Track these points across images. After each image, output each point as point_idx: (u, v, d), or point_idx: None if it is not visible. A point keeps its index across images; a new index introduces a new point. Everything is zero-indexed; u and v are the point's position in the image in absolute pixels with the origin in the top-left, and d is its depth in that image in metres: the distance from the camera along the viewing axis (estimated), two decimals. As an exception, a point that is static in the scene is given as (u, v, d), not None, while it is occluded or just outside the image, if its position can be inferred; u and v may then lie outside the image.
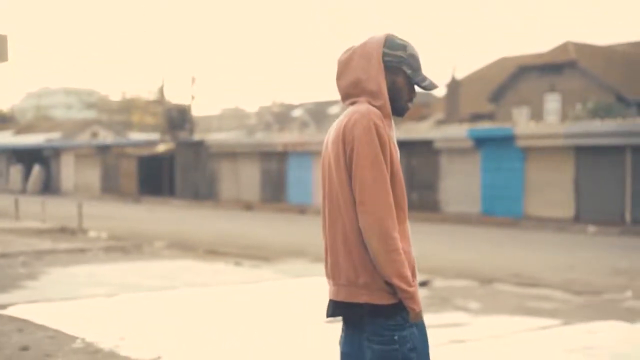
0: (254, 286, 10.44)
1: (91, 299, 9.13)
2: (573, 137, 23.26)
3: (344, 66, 2.85)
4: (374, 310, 2.70)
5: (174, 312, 8.51)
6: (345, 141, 2.70)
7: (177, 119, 38.93)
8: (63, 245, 14.72)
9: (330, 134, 2.82)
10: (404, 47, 2.83)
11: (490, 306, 9.40)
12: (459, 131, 26.48)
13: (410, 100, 2.86)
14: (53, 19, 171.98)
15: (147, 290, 9.84)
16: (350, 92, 2.83)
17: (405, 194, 2.78)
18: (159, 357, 6.48)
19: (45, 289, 9.88)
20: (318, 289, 10.38)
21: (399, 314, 2.70)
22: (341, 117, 2.79)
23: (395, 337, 2.69)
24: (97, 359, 6.50)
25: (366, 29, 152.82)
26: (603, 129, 22.94)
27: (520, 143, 24.41)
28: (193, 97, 40.82)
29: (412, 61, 2.83)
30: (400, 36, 2.88)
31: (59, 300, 9.07)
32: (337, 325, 7.66)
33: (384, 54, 2.80)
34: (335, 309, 2.82)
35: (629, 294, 10.67)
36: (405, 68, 2.81)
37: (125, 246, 14.66)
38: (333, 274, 2.79)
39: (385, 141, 2.68)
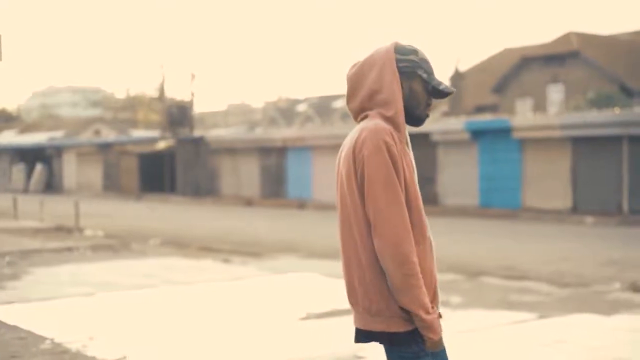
0: (234, 283, 10.39)
1: (68, 299, 9.08)
2: (570, 128, 23.13)
3: (355, 80, 2.73)
4: (390, 339, 2.60)
5: (148, 311, 8.47)
6: (355, 161, 2.59)
7: (178, 116, 38.93)
8: (51, 244, 14.69)
9: (343, 150, 2.70)
10: (414, 51, 2.72)
11: (472, 300, 9.32)
12: (456, 123, 26.38)
13: (428, 106, 2.74)
14: (58, 17, 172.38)
15: (127, 289, 9.79)
16: (363, 107, 2.71)
17: (422, 210, 2.64)
18: (124, 357, 6.43)
19: (26, 289, 9.85)
20: (297, 285, 10.34)
21: (414, 342, 2.58)
22: (352, 133, 2.68)
23: None
24: (62, 359, 6.46)
25: (368, 21, 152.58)
26: (600, 119, 22.81)
27: (517, 135, 24.29)
28: (193, 94, 40.80)
29: (426, 65, 2.72)
30: (406, 43, 2.77)
31: (36, 300, 9.03)
32: (306, 323, 7.61)
33: (398, 60, 2.68)
34: (357, 336, 2.72)
35: (616, 285, 10.57)
36: (420, 72, 2.70)
37: (114, 245, 14.63)
38: (351, 300, 2.70)
39: (397, 160, 2.55)
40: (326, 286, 10.18)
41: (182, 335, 7.26)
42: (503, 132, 24.64)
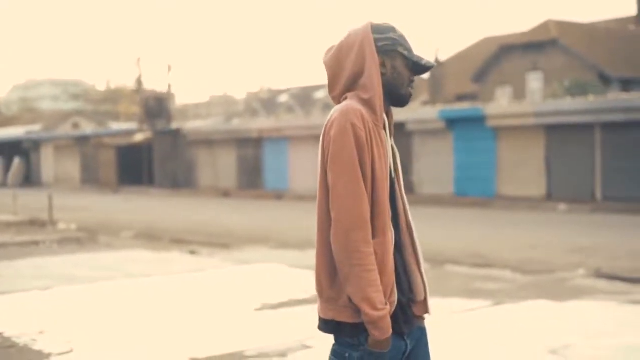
0: (195, 275, 10.32)
1: (24, 293, 8.99)
2: (543, 115, 23.17)
3: (334, 66, 2.63)
4: (338, 328, 2.51)
5: (103, 304, 8.39)
6: (324, 143, 2.52)
7: (155, 108, 38.68)
8: (19, 238, 14.56)
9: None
10: (392, 29, 2.64)
11: (432, 289, 9.22)
12: (430, 112, 26.35)
13: (411, 83, 2.64)
14: (38, 10, 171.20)
15: (87, 283, 9.71)
16: (346, 92, 2.62)
17: (387, 201, 2.51)
18: (70, 351, 6.37)
19: (-16, 284, 9.73)
20: (258, 276, 10.29)
21: (360, 335, 2.47)
22: (329, 116, 2.61)
23: (347, 355, 2.51)
24: (9, 354, 6.40)
25: (348, 10, 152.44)
26: (572, 107, 22.87)
27: (491, 123, 24.32)
28: (170, 86, 40.60)
29: (405, 42, 2.64)
30: (380, 22, 2.68)
31: (-8, 295, 8.94)
32: (261, 314, 7.55)
33: (377, 40, 2.59)
34: (318, 324, 2.61)
35: (581, 272, 10.59)
36: (400, 49, 2.61)
37: (80, 238, 14.52)
38: (316, 287, 2.58)
39: (363, 143, 2.45)
40: (287, 277, 10.14)
41: (132, 327, 7.21)
42: (477, 121, 24.65)
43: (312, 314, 7.80)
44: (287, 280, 9.85)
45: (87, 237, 14.73)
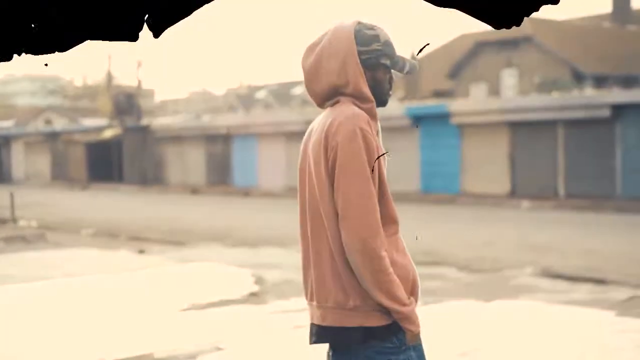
0: (133, 274, 10.17)
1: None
2: (507, 112, 23.18)
3: (313, 72, 2.56)
4: (367, 334, 2.45)
5: (27, 304, 8.24)
6: (327, 147, 2.43)
7: (125, 104, 38.40)
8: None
9: (311, 137, 2.53)
10: (376, 37, 2.55)
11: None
12: (397, 109, 26.26)
13: (391, 88, 2.62)
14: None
15: (18, 282, 9.53)
16: (328, 97, 2.56)
17: (393, 203, 2.53)
18: (-23, 354, 6.22)
19: None
20: (195, 275, 10.16)
21: (394, 336, 2.46)
22: (322, 119, 2.52)
23: None
24: None
25: (325, 5, 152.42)
26: (535, 104, 22.90)
27: (456, 120, 24.31)
28: (140, 82, 40.34)
29: (388, 49, 2.57)
30: (365, 21, 2.59)
31: None
32: (185, 314, 7.39)
33: (360, 53, 2.52)
34: (321, 335, 2.53)
35: (527, 270, 10.53)
36: (383, 60, 2.56)
37: (27, 236, 14.33)
38: (318, 296, 2.51)
39: (372, 149, 2.42)
40: (225, 277, 10.00)
41: (50, 328, 7.07)
42: (442, 118, 24.66)
43: (237, 314, 7.68)
44: (223, 280, 9.71)
45: (35, 235, 14.53)
